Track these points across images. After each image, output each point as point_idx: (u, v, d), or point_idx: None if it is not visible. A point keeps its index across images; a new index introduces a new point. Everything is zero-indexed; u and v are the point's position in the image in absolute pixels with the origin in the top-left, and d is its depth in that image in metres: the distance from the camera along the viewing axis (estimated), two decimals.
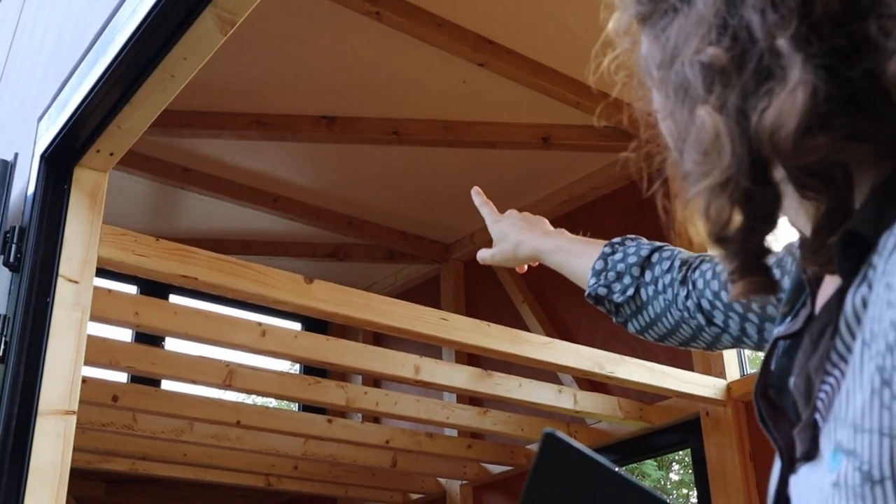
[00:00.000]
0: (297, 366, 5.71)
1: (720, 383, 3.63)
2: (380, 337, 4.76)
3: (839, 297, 0.60)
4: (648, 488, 0.64)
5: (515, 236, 1.37)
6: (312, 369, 4.76)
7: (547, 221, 1.42)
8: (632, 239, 1.25)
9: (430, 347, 3.72)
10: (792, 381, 0.66)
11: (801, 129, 0.56)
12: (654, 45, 0.67)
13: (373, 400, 3.58)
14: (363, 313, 2.72)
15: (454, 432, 4.59)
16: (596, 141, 4.05)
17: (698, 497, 3.78)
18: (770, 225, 0.62)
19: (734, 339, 1.11)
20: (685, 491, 9.19)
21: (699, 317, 1.12)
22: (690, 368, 3.65)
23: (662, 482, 8.92)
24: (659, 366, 3.41)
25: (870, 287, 0.56)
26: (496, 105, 3.87)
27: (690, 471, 9.43)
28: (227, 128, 3.89)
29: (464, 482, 4.72)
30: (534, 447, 4.38)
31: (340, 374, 4.89)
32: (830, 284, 0.67)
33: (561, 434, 0.66)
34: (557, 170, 4.36)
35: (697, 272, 1.14)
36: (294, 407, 5.52)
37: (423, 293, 5.06)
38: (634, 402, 3.83)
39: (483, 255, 1.44)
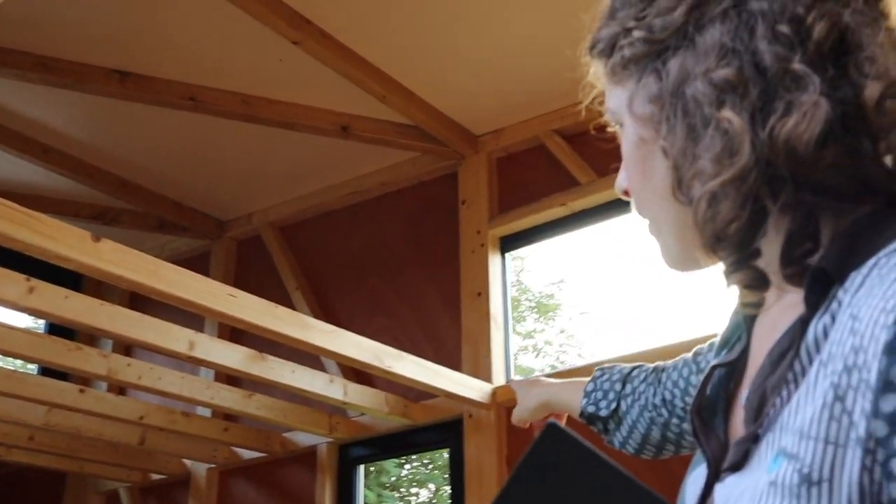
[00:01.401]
0: (41, 324, 5.32)
1: (486, 387, 3.76)
2: (135, 302, 4.49)
3: (803, 325, 0.68)
4: (649, 489, 0.64)
5: (535, 396, 1.49)
6: (59, 330, 4.44)
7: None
8: (619, 364, 1.37)
9: (191, 320, 3.52)
10: (745, 395, 0.74)
11: (820, 139, 0.66)
12: (648, 81, 0.78)
13: (135, 372, 3.40)
14: (151, 280, 2.60)
15: (207, 412, 4.46)
16: (393, 137, 4.08)
17: (452, 497, 3.88)
18: (762, 228, 0.71)
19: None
20: (414, 489, 9.43)
21: (663, 411, 1.24)
22: (458, 370, 3.75)
23: (399, 479, 9.09)
24: (433, 364, 3.48)
25: (832, 318, 0.65)
26: (302, 86, 3.81)
27: (428, 469, 9.67)
28: (4, 64, 3.58)
29: (211, 466, 4.59)
30: (289, 435, 4.34)
31: (88, 338, 4.64)
32: (766, 320, 0.78)
33: (564, 426, 0.68)
34: (351, 160, 4.36)
35: (671, 369, 1.26)
36: (33, 370, 5.13)
37: (190, 269, 4.85)
38: (400, 398, 3.88)
39: (516, 416, 1.57)
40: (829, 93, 0.67)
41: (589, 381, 1.34)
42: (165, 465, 4.66)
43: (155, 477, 4.79)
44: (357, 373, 4.09)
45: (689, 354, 1.22)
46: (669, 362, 1.27)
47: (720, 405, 0.81)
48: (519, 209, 4.05)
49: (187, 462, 4.66)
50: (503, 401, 3.77)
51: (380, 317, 4.30)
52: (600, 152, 3.90)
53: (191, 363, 3.19)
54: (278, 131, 4.04)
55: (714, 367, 0.84)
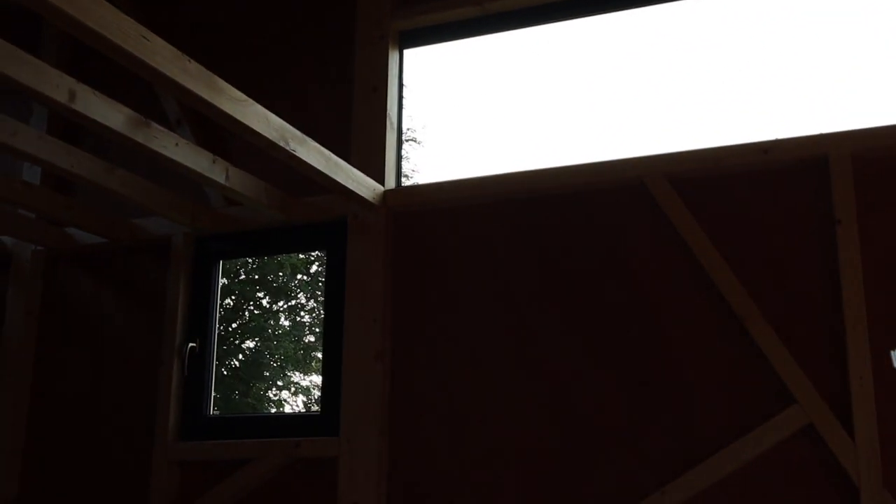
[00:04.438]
0: None
1: (378, 188, 3.50)
2: None
3: None
4: None
5: None
6: None
7: None
8: None
9: None
10: None
11: None
12: None
13: None
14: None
15: (36, 176, 3.96)
16: None
17: (327, 302, 3.64)
18: None
19: None
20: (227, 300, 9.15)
21: None
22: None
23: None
24: (334, 156, 3.17)
25: None
26: None
27: (240, 279, 9.34)
28: None
29: (38, 248, 4.08)
30: (140, 221, 3.91)
31: None
32: None
33: None
34: None
35: None
36: None
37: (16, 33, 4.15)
38: (280, 191, 3.54)
39: None
40: None
41: None
42: None
43: None
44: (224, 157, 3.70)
45: None
46: None
47: None
48: (427, 3, 3.71)
49: (7, 240, 4.13)
50: (393, 205, 3.53)
51: (285, 101, 3.84)
52: None
53: (69, 116, 2.70)
54: None
55: None
